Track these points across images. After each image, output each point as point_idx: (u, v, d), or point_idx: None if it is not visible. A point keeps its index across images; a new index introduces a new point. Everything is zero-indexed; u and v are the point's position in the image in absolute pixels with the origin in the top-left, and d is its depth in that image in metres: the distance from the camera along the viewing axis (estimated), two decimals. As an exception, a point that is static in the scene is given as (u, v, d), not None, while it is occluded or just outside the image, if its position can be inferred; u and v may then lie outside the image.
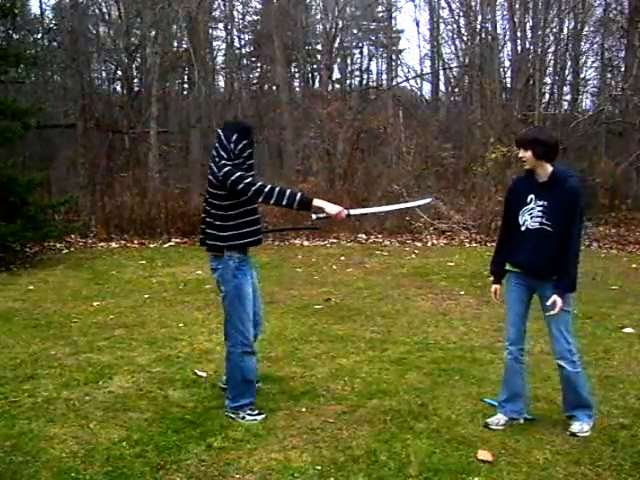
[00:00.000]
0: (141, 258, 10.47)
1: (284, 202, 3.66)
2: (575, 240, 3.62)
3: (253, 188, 3.67)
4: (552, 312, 3.60)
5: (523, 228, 3.71)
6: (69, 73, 16.84)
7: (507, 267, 3.86)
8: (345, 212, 3.73)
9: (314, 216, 3.80)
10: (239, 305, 3.89)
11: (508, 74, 18.79)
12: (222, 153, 3.81)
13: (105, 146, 15.67)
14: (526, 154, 3.66)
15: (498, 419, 3.85)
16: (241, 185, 3.68)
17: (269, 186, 3.69)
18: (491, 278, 4.02)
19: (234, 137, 3.79)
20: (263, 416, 3.94)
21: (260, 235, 3.98)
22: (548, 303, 3.62)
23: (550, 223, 3.61)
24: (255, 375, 4.05)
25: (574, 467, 3.34)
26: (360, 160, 14.48)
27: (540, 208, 3.65)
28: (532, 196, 3.68)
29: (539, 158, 3.63)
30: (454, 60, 21.41)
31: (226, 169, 3.73)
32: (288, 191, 3.67)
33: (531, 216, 3.67)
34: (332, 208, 3.69)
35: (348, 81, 23.94)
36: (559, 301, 3.57)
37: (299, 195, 3.66)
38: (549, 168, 3.65)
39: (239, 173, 3.71)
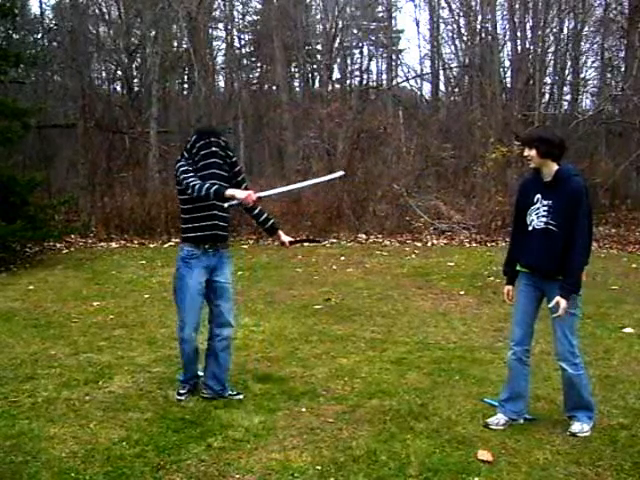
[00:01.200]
0: (141, 258, 10.47)
1: (203, 193, 3.92)
2: (580, 240, 3.58)
3: (185, 182, 3.97)
4: (557, 314, 3.59)
5: (530, 228, 3.72)
6: (69, 73, 16.83)
7: (517, 268, 3.86)
8: (254, 195, 3.94)
9: (227, 205, 4.03)
10: (178, 294, 4.18)
11: (508, 74, 18.82)
12: (183, 152, 4.18)
13: (105, 146, 15.66)
14: (531, 153, 3.66)
15: (498, 419, 3.85)
16: (180, 178, 4.02)
17: (195, 181, 3.95)
18: (504, 279, 4.00)
19: (192, 139, 4.12)
20: (182, 398, 4.21)
21: (215, 231, 4.14)
22: (551, 305, 3.61)
23: (555, 223, 3.61)
24: (188, 359, 4.27)
25: (574, 467, 3.34)
26: (360, 160, 14.46)
27: (545, 208, 3.64)
28: (539, 195, 3.68)
29: (544, 157, 3.63)
30: (454, 60, 21.46)
31: (177, 165, 4.10)
32: (207, 184, 3.92)
33: (537, 216, 3.67)
34: (241, 194, 3.91)
35: (348, 81, 23.95)
36: (563, 302, 3.56)
37: (215, 187, 3.91)
38: (554, 167, 3.65)
39: (183, 168, 4.02)
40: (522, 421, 3.87)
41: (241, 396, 4.28)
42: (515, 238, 3.90)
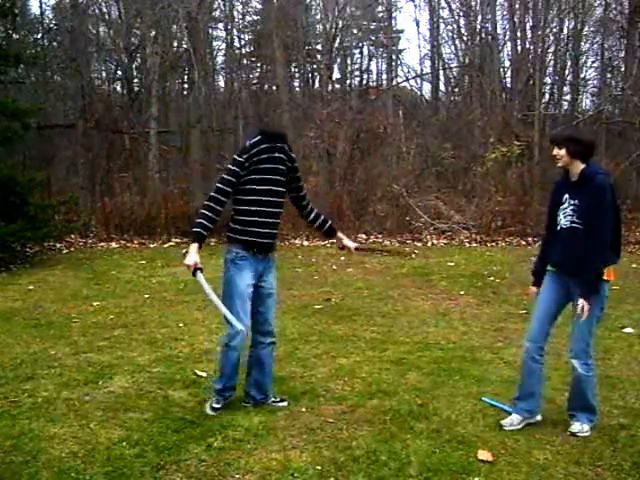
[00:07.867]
0: (141, 258, 10.47)
1: (198, 217, 3.84)
2: (599, 237, 3.57)
3: (217, 184, 3.88)
4: (582, 317, 3.57)
5: (558, 227, 3.73)
6: (69, 73, 16.82)
7: (547, 267, 3.86)
8: (192, 268, 3.78)
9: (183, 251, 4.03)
10: (228, 298, 3.92)
11: (508, 74, 18.81)
12: (241, 151, 3.96)
13: (105, 146, 15.65)
14: (560, 152, 3.64)
15: (512, 420, 3.82)
16: (220, 176, 3.93)
17: (208, 202, 3.84)
18: (531, 279, 4.00)
19: (255, 139, 3.90)
20: (213, 413, 3.96)
21: (267, 240, 3.97)
22: (578, 310, 3.60)
23: (580, 222, 3.62)
24: (230, 370, 4.01)
25: (574, 467, 3.34)
26: (360, 160, 14.47)
27: (572, 207, 3.65)
28: (567, 195, 3.70)
29: (573, 156, 3.62)
30: (454, 60, 21.44)
31: (231, 162, 3.93)
32: (200, 219, 3.81)
33: (564, 215, 3.69)
34: (188, 259, 3.78)
35: (348, 81, 23.94)
36: (585, 305, 3.55)
37: (195, 229, 3.81)
38: (580, 167, 3.64)
39: (224, 174, 3.89)
40: (539, 418, 3.84)
41: (285, 403, 4.17)
42: (547, 238, 3.91)
